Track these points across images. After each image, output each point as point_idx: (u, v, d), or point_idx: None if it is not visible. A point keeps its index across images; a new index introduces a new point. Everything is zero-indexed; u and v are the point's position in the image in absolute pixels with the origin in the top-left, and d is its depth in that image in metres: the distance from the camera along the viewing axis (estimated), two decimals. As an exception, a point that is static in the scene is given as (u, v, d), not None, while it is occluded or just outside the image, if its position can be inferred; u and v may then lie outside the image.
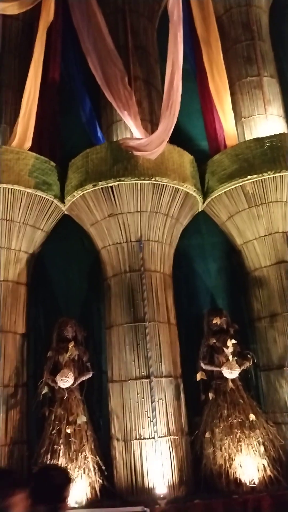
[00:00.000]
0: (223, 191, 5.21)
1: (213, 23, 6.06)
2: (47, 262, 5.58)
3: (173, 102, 5.09)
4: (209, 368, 4.87)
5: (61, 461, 4.29)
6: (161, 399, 4.58)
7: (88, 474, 4.35)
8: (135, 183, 4.86)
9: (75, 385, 4.68)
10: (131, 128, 5.34)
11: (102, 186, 4.91)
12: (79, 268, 5.59)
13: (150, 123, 5.66)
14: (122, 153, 4.97)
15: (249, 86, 6.06)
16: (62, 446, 4.34)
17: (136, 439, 4.44)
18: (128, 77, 5.57)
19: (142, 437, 4.43)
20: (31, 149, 5.32)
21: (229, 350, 4.76)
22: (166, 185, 4.94)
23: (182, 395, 4.79)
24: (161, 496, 4.10)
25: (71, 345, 4.79)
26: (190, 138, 5.98)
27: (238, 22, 6.47)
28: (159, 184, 4.92)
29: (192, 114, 6.09)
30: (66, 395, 4.59)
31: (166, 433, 4.46)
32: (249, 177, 5.02)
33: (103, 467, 4.46)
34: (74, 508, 4.11)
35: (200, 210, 5.57)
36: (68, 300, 5.42)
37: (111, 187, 4.91)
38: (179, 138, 5.54)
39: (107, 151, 5.05)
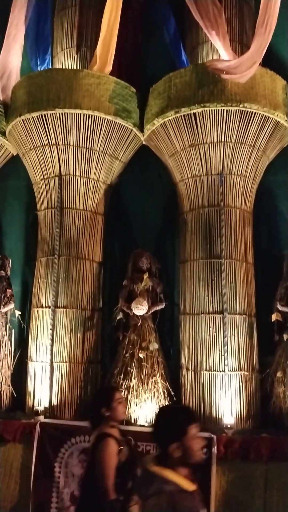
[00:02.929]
0: None
1: None
2: (123, 194, 5.54)
3: (270, 16, 4.53)
4: (286, 310, 4.69)
5: (133, 383, 4.50)
6: (233, 335, 4.55)
7: (158, 397, 4.54)
8: (221, 109, 4.52)
9: (148, 313, 4.78)
10: (218, 50, 4.88)
11: (184, 113, 4.63)
12: (155, 201, 5.50)
13: (240, 44, 5.13)
14: (208, 76, 4.60)
15: None
16: (134, 369, 4.53)
17: (206, 370, 4.51)
18: (218, -8, 5.02)
19: (212, 369, 4.48)
20: (111, 73, 5.12)
21: (310, 293, 4.54)
22: (255, 112, 4.54)
23: (255, 334, 4.71)
24: (228, 426, 4.19)
25: (146, 275, 4.85)
26: (284, 61, 5.34)
27: None
28: (248, 111, 4.53)
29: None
30: (140, 322, 4.71)
31: (237, 368, 4.47)
32: None
33: (172, 393, 4.62)
34: (144, 426, 4.35)
35: (289, 142, 5.13)
36: (143, 233, 5.42)
37: (194, 114, 4.62)
38: (271, 60, 4.98)
39: (192, 74, 4.69)
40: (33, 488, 4.14)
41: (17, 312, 5.20)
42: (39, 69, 5.47)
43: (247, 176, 4.88)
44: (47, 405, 4.61)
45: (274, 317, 4.68)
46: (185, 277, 4.94)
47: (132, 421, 4.42)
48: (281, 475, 3.90)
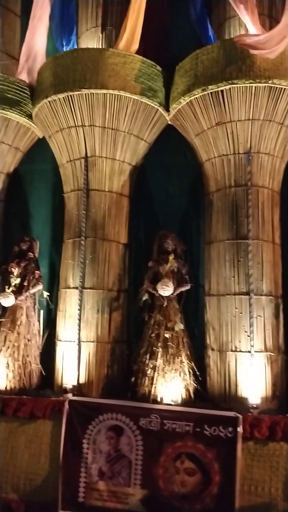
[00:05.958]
0: None
1: None
2: (148, 175, 5.51)
3: (301, -13, 4.36)
4: (313, 291, 4.64)
5: (159, 363, 4.55)
6: (260, 316, 4.53)
7: (183, 377, 4.57)
8: (249, 86, 4.41)
9: (174, 294, 4.79)
10: (246, 25, 4.75)
11: (212, 91, 4.54)
12: (180, 182, 5.45)
13: (269, 18, 4.97)
14: (236, 52, 4.49)
15: None
16: (160, 349, 4.57)
17: (231, 350, 4.52)
18: None
19: (238, 350, 4.48)
20: (136, 52, 5.05)
21: None
22: (285, 89, 4.42)
23: (281, 315, 4.67)
24: (254, 405, 4.19)
25: (171, 257, 4.85)
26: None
27: None
28: (277, 87, 4.41)
29: None
30: (165, 303, 4.73)
31: (263, 349, 4.46)
32: None
33: (198, 373, 4.65)
34: (170, 404, 4.40)
35: None
36: (167, 214, 5.40)
37: (222, 91, 4.52)
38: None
39: (219, 50, 4.58)
40: (62, 463, 4.25)
41: (45, 293, 5.30)
42: (64, 50, 5.44)
43: (275, 154, 4.77)
44: (75, 383, 4.72)
45: (301, 298, 4.63)
46: (211, 258, 4.92)
47: (158, 400, 4.48)
48: (305, 455, 3.89)
